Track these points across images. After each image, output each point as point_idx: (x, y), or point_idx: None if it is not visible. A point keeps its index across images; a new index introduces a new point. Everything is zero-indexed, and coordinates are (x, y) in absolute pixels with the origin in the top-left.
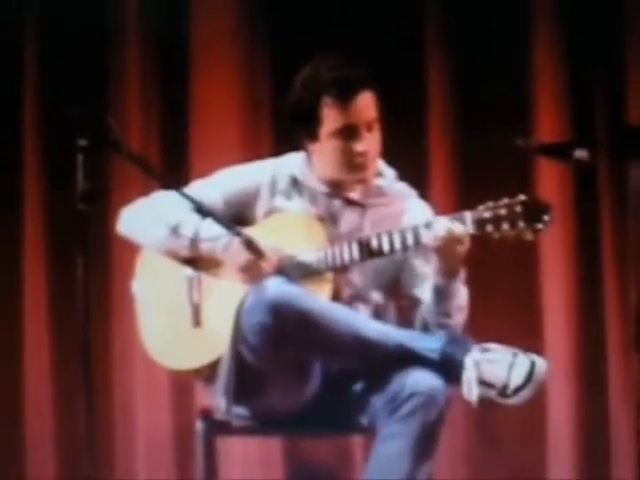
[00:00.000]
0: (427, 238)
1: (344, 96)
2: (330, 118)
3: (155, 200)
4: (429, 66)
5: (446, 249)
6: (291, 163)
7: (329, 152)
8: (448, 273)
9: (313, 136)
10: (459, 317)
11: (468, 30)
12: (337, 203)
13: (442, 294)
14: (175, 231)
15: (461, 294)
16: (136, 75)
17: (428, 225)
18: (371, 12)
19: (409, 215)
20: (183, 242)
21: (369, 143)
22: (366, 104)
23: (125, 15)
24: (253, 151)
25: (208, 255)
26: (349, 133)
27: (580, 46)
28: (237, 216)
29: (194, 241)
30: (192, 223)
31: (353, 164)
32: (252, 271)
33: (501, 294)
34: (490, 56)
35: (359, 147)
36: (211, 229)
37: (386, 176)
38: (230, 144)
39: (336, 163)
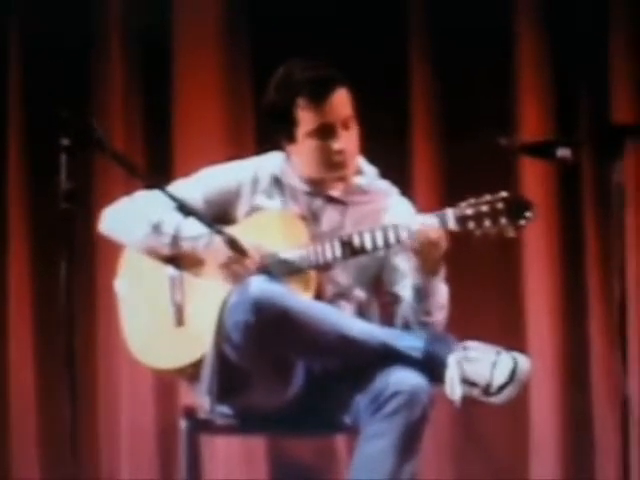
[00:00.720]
0: (406, 236)
1: (318, 96)
2: (305, 119)
3: (137, 199)
4: (412, 65)
5: (423, 248)
6: (272, 162)
7: (307, 152)
8: (427, 271)
9: (290, 137)
10: (439, 315)
11: (451, 28)
12: (318, 201)
13: (422, 292)
14: (156, 229)
15: (441, 292)
16: (119, 77)
17: (407, 223)
18: (353, 13)
19: (391, 212)
20: (164, 240)
21: (346, 141)
22: (340, 102)
23: (108, 18)
24: (235, 151)
25: (190, 253)
26: (325, 132)
27: (563, 45)
28: (218, 215)
29: (175, 239)
30: (173, 221)
31: (331, 162)
32: (234, 270)
33: (483, 292)
34: (473, 55)
35: (336, 145)
36: (193, 227)
37: (367, 174)
38: (212, 145)
39: (314, 162)
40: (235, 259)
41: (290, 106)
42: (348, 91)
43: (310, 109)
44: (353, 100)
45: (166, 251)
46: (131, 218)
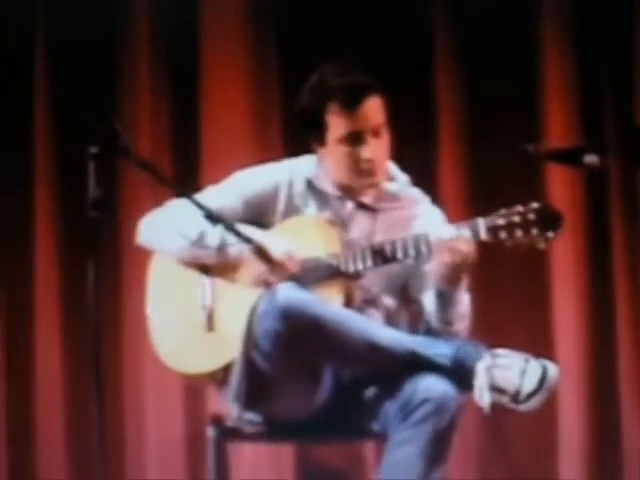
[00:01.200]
0: (437, 246)
1: (350, 103)
2: (336, 124)
3: (173, 210)
4: (439, 72)
5: (453, 259)
6: (306, 165)
7: (336, 157)
8: (451, 281)
9: (321, 141)
10: (460, 325)
11: (477, 36)
12: (349, 207)
13: (444, 301)
14: (200, 242)
15: (463, 302)
16: (146, 82)
17: (438, 233)
18: (382, 15)
19: (421, 220)
20: (209, 251)
21: (376, 149)
22: (372, 110)
23: (135, 22)
24: (263, 155)
25: (236, 260)
26: (355, 139)
27: (589, 51)
28: (256, 217)
29: (222, 248)
30: (217, 231)
31: (360, 170)
32: (265, 276)
33: (512, 301)
34: (499, 61)
35: (365, 153)
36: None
37: (399, 181)
38: (240, 148)
39: (344, 168)
40: (266, 266)
41: (322, 111)
42: (382, 99)
43: (341, 115)
44: (386, 107)
45: (211, 260)
46: (170, 231)
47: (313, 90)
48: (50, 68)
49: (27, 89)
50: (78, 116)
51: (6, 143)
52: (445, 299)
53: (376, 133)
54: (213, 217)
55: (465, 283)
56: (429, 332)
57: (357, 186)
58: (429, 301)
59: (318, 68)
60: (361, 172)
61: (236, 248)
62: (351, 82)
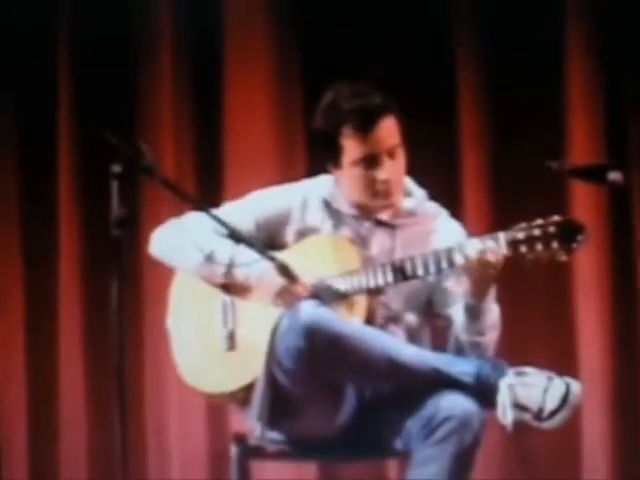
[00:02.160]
0: (461, 261)
1: (364, 126)
2: (351, 148)
3: (187, 223)
4: (461, 86)
5: (479, 271)
6: (322, 185)
7: (352, 180)
8: (479, 294)
9: (336, 163)
10: (492, 335)
11: (501, 52)
12: (367, 225)
13: (474, 313)
14: (210, 259)
15: (493, 312)
16: (169, 99)
17: (461, 247)
18: (403, 26)
19: (440, 235)
20: (218, 270)
21: (392, 170)
22: (387, 132)
23: (158, 37)
24: (286, 171)
25: (243, 283)
26: (370, 162)
27: (614, 67)
28: (268, 238)
29: (229, 269)
30: (227, 251)
31: (376, 191)
32: (287, 295)
33: (535, 317)
34: (523, 77)
35: (381, 175)
36: (246, 255)
37: (416, 196)
38: (264, 166)
39: (359, 190)
40: (287, 285)
41: (336, 134)
42: (396, 118)
43: (356, 139)
44: (401, 126)
45: (219, 280)
46: (182, 244)
47: (327, 113)
48: (74, 86)
49: (51, 108)
50: (102, 135)
51: (30, 161)
52: (475, 311)
53: (391, 154)
54: (236, 234)
55: (493, 293)
56: (459, 346)
57: (373, 207)
58: (458, 315)
59: (332, 87)
60: (377, 193)
61: (243, 271)
62: (364, 104)
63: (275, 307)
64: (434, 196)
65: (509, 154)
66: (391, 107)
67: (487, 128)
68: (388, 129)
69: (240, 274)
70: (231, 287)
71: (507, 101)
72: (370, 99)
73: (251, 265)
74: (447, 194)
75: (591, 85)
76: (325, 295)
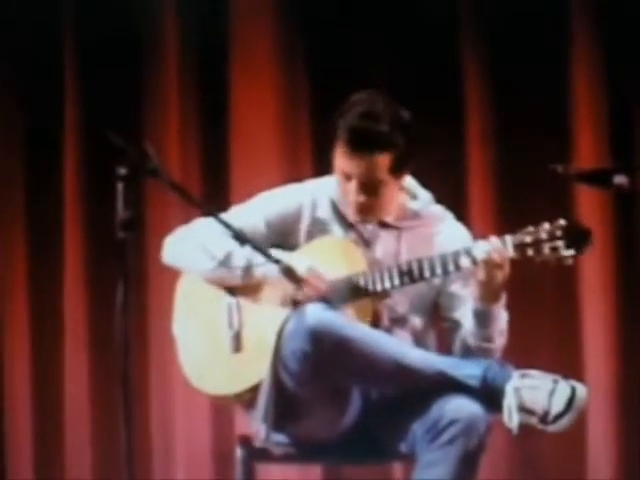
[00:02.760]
0: (467, 264)
1: (353, 147)
2: (339, 155)
3: (198, 228)
4: (468, 88)
5: (486, 274)
6: (330, 186)
7: (339, 184)
8: (489, 298)
9: (334, 164)
10: (500, 341)
11: (507, 56)
12: (371, 227)
13: (483, 319)
14: (227, 261)
15: (502, 318)
16: (175, 102)
17: (468, 250)
18: (409, 27)
19: (445, 237)
20: (236, 271)
21: (366, 198)
22: (372, 166)
23: (164, 41)
24: (293, 175)
25: (261, 281)
26: (349, 180)
27: (619, 70)
28: (279, 238)
29: (248, 268)
30: (244, 251)
31: (352, 206)
32: (293, 297)
33: (540, 321)
34: (529, 80)
35: (354, 196)
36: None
37: (421, 199)
38: (270, 169)
39: (341, 195)
40: (294, 287)
41: (335, 138)
42: (392, 157)
43: (343, 151)
44: (396, 165)
45: (237, 281)
46: (196, 249)
47: (337, 116)
48: (80, 88)
49: (57, 109)
50: (108, 137)
51: (36, 162)
52: (484, 316)
53: (370, 187)
54: (241, 237)
55: (503, 299)
56: (466, 350)
57: (352, 217)
58: (465, 318)
59: (364, 92)
60: (353, 208)
61: (261, 269)
62: (367, 131)
63: (281, 308)
64: (439, 198)
65: (515, 157)
66: (393, 145)
67: (493, 131)
68: (375, 165)
69: (259, 273)
70: (242, 288)
71: (513, 104)
72: (376, 127)
73: (269, 263)
74: (453, 197)
75: (597, 89)
76: (332, 297)
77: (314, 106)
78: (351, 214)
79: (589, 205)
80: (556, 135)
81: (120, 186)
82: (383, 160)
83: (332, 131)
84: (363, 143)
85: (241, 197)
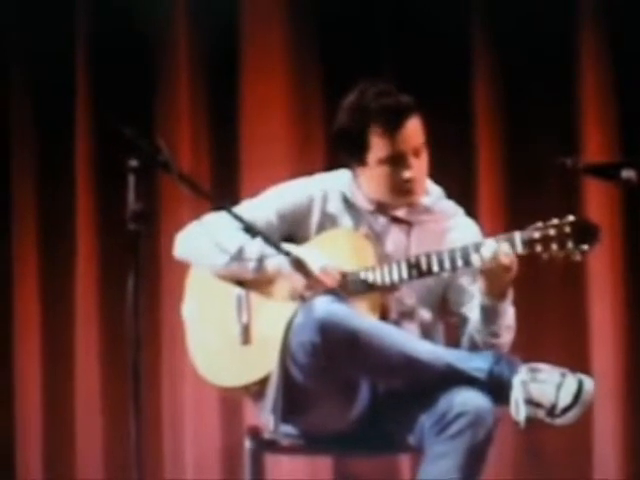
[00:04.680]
0: (475, 260)
1: (392, 125)
2: (378, 146)
3: (210, 223)
4: (477, 85)
5: (494, 271)
6: (341, 179)
7: (377, 178)
8: (496, 294)
9: (361, 161)
10: (507, 336)
11: (515, 50)
12: (382, 221)
13: (490, 315)
14: (239, 255)
15: (509, 314)
16: (185, 93)
17: (477, 247)
18: (419, 28)
19: (456, 233)
20: (249, 265)
21: (417, 169)
22: (413, 131)
23: (175, 33)
24: (304, 166)
25: (275, 275)
26: (397, 161)
27: (627, 64)
28: (290, 231)
29: (261, 262)
30: (256, 245)
31: (401, 190)
32: (302, 290)
33: (549, 314)
34: (538, 75)
35: (407, 174)
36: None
37: (432, 194)
38: (281, 160)
39: (384, 188)
40: (304, 279)
41: (363, 132)
42: (420, 118)
43: (384, 137)
44: (424, 126)
45: (250, 275)
46: (208, 244)
47: (353, 111)
48: (92, 81)
49: (69, 102)
50: (119, 130)
51: (48, 155)
52: (491, 312)
53: (417, 153)
54: (252, 230)
55: (511, 295)
56: (473, 344)
57: (395, 204)
58: (473, 313)
59: (356, 87)
60: (401, 192)
61: (274, 262)
62: (392, 104)
63: (290, 301)
64: (449, 193)
65: (523, 152)
66: (416, 107)
67: (502, 125)
68: (414, 128)
69: (272, 266)
70: (252, 282)
71: (522, 99)
72: (397, 98)
73: (281, 257)
74: (462, 193)
75: (605, 83)
76: (341, 290)
77: (326, 101)
78: (398, 198)
79: (597, 201)
80: (565, 132)
81: (131, 178)
82: (416, 122)
83: (349, 138)
84: (399, 114)
85: (252, 192)
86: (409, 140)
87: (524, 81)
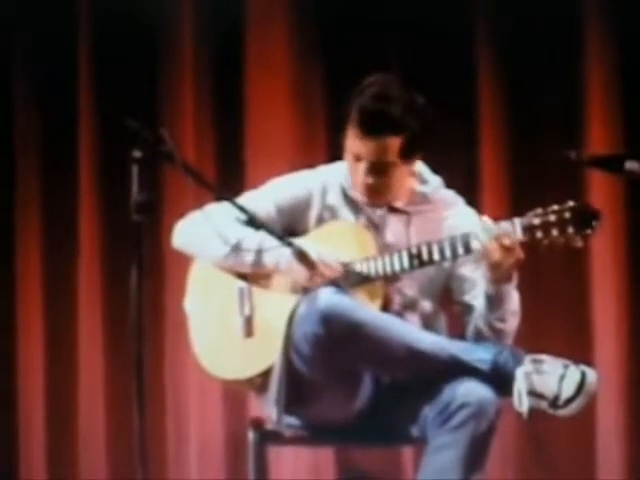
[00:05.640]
0: (477, 246)
1: (365, 131)
2: (351, 138)
3: (209, 214)
4: (480, 76)
5: (495, 257)
6: (340, 172)
7: (348, 167)
8: (499, 280)
9: (343, 145)
10: (513, 321)
11: (519, 40)
12: (380, 212)
13: (495, 301)
14: (238, 247)
15: (513, 298)
16: (190, 91)
17: (477, 234)
18: (423, 20)
19: (455, 222)
20: (247, 258)
21: (376, 180)
22: (384, 148)
23: (179, 26)
24: (308, 159)
25: (272, 268)
26: (360, 162)
27: (632, 58)
28: (290, 224)
29: (259, 255)
30: (254, 238)
31: (362, 188)
32: (317, 277)
33: (550, 305)
34: (542, 67)
35: (362, 178)
36: (273, 241)
37: (431, 183)
38: (284, 151)
39: (352, 179)
40: (306, 271)
41: (347, 121)
42: (403, 141)
43: (355, 135)
44: (406, 149)
45: (248, 268)
46: (207, 235)
47: (351, 97)
48: (95, 72)
49: (72, 93)
50: (123, 121)
51: (51, 147)
52: (495, 298)
53: (379, 169)
54: (255, 221)
55: (514, 280)
56: (479, 333)
57: (362, 200)
58: (477, 301)
59: (373, 75)
60: (363, 190)
61: (272, 256)
62: (379, 113)
63: (293, 293)
64: (452, 185)
65: (527, 144)
66: (404, 129)
67: (506, 118)
68: (386, 147)
69: (269, 260)
70: (254, 274)
71: (526, 90)
72: (390, 110)
73: (280, 250)
74: (466, 184)
75: (609, 75)
76: (343, 281)
77: (329, 99)
78: (359, 196)
79: (601, 193)
80: (569, 123)
81: (135, 169)
82: (394, 143)
83: (344, 112)
84: (374, 125)
85: (255, 183)
86: (374, 153)
87: (528, 77)
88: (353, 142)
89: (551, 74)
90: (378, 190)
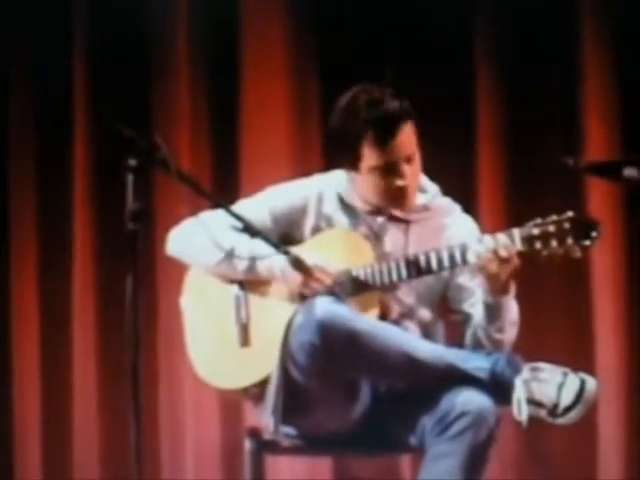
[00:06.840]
0: (474, 257)
1: (384, 136)
2: (370, 156)
3: (203, 221)
4: (478, 82)
5: (493, 268)
6: (336, 180)
7: (369, 184)
8: (498, 290)
9: (354, 167)
10: (512, 332)
11: (517, 46)
12: (380, 220)
13: (493, 312)
14: (231, 255)
15: (512, 309)
16: (185, 93)
17: (475, 244)
18: (420, 25)
19: (454, 230)
20: (240, 265)
21: (409, 176)
22: (406, 139)
23: (175, 32)
24: (303, 167)
25: (265, 276)
26: (389, 170)
27: (630, 64)
28: (285, 232)
29: (252, 262)
30: (247, 245)
31: (393, 197)
32: (302, 290)
33: (551, 313)
34: (539, 73)
35: (399, 182)
36: (267, 249)
37: (429, 191)
38: (280, 159)
39: (376, 195)
40: (301, 279)
41: (355, 142)
42: (412, 124)
43: (375, 147)
44: (416, 129)
45: (241, 276)
46: (200, 242)
47: (345, 119)
48: (90, 79)
49: (66, 100)
50: (117, 128)
51: (46, 154)
52: (494, 309)
53: (409, 160)
54: (251, 228)
55: (513, 290)
56: (477, 342)
57: (387, 208)
58: (475, 310)
59: (349, 90)
60: (394, 199)
61: (266, 264)
62: (384, 113)
63: (289, 302)
64: (449, 192)
65: (525, 150)
66: (408, 113)
67: (503, 124)
68: (406, 136)
69: (263, 268)
70: (250, 282)
71: (524, 97)
72: (388, 106)
73: (274, 257)
74: (462, 190)
75: (607, 82)
76: (340, 290)
77: (325, 100)
78: (390, 204)
79: (599, 200)
80: (567, 130)
81: (130, 177)
82: (408, 129)
83: (347, 142)
84: (390, 125)
85: (251, 192)
86: (401, 149)
87: (526, 80)
88: (376, 157)
89: (550, 79)
90: (408, 190)
